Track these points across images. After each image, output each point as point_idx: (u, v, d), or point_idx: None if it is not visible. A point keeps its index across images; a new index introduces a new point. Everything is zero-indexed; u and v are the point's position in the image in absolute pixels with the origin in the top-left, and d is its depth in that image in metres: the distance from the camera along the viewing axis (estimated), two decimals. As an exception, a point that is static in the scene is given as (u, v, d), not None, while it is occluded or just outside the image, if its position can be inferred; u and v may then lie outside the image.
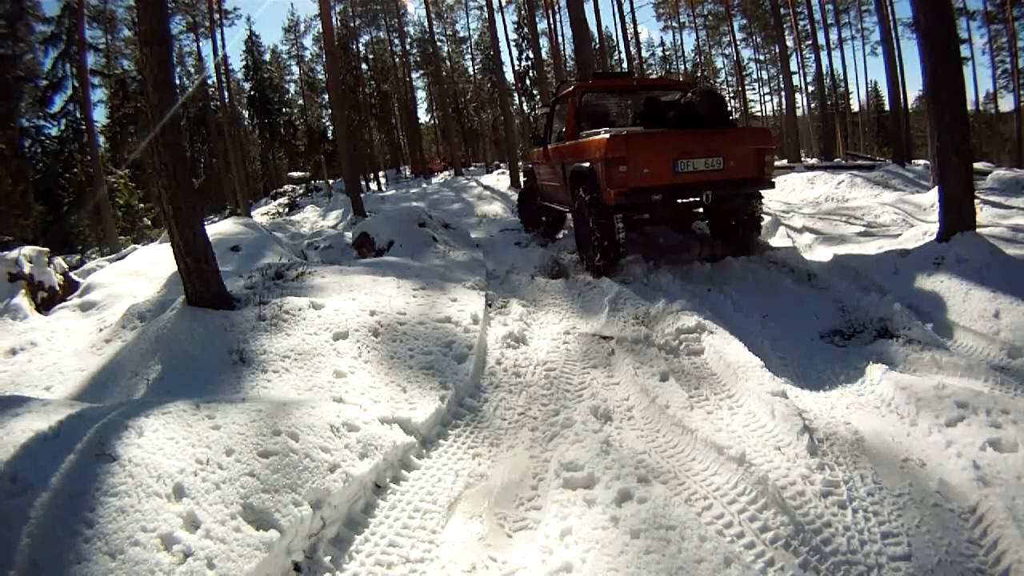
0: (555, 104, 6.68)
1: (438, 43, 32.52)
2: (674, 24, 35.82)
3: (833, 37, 29.02)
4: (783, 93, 27.90)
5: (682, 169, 4.69)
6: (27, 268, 5.91)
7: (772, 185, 5.15)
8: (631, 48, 26.50)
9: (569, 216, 6.68)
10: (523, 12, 27.88)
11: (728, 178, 4.82)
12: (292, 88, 36.50)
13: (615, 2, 25.66)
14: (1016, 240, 4.90)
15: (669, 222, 5.48)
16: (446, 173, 29.57)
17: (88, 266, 9.32)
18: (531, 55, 27.86)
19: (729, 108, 5.30)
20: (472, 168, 30.70)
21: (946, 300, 3.76)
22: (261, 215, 19.24)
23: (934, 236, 4.62)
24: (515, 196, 10.81)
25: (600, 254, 4.87)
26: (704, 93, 5.12)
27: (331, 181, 26.60)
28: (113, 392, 3.34)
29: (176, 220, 3.70)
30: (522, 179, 9.08)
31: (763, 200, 5.51)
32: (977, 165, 9.92)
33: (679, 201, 4.97)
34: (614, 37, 35.27)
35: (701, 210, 5.23)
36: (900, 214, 7.70)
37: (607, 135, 4.75)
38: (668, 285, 4.68)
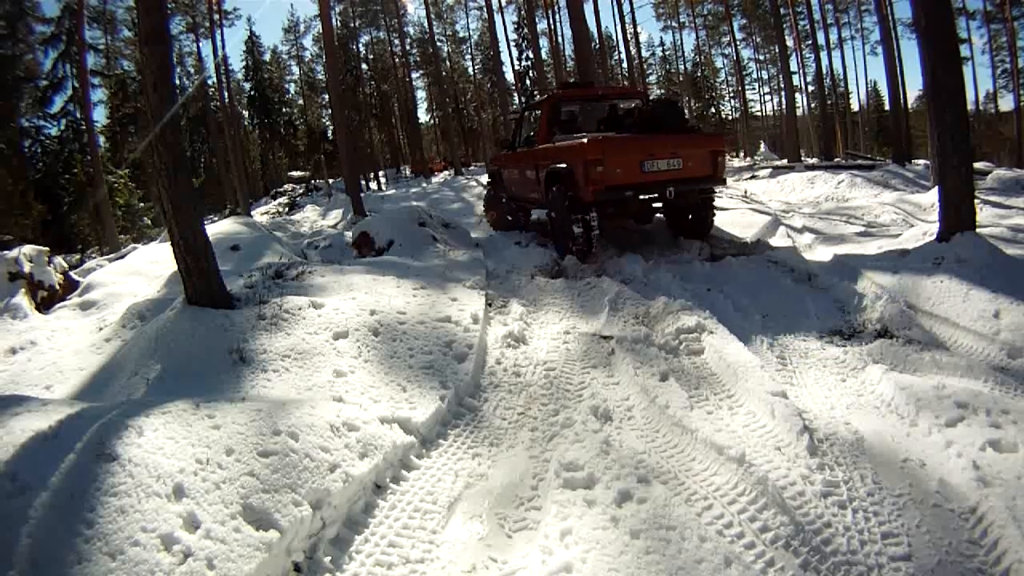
0: (524, 111, 7.24)
1: (438, 43, 32.51)
2: (674, 24, 35.79)
3: (833, 37, 29.04)
4: (783, 93, 27.86)
5: (648, 169, 5.28)
6: (27, 267, 5.91)
7: (724, 182, 5.90)
8: (631, 48, 26.53)
9: (533, 213, 7.51)
10: (523, 12, 27.88)
11: (687, 176, 5.42)
12: (292, 88, 36.52)
13: (615, 2, 25.67)
14: (1016, 240, 4.90)
15: (634, 216, 6.10)
16: (446, 173, 29.56)
17: (88, 265, 9.30)
18: (531, 55, 27.88)
19: (685, 114, 6.04)
20: (472, 168, 30.66)
21: (946, 300, 3.76)
22: (261, 214, 19.22)
23: (934, 236, 4.63)
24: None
25: (577, 244, 5.46)
26: (663, 102, 5.94)
27: (331, 181, 26.57)
28: (113, 391, 3.34)
29: (176, 219, 3.70)
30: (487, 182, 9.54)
31: (715, 195, 6.25)
32: (977, 165, 9.92)
33: (643, 197, 5.47)
34: (614, 37, 35.31)
35: (661, 205, 5.86)
36: (900, 214, 7.71)
37: (586, 139, 5.29)
38: (668, 285, 4.69)
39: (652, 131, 5.53)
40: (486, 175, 9.85)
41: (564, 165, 5.48)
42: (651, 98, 6.13)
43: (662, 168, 5.29)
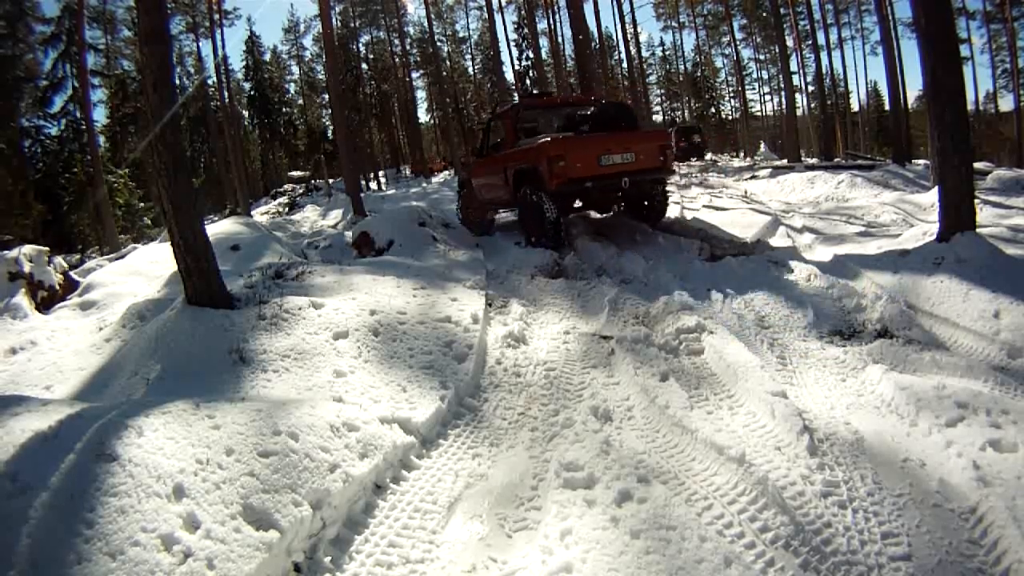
0: (490, 122, 7.94)
1: (438, 43, 32.51)
2: (674, 24, 35.82)
3: (833, 37, 29.04)
4: (783, 93, 27.84)
5: (605, 163, 5.90)
6: (27, 267, 5.91)
7: (673, 172, 6.92)
8: (631, 48, 26.51)
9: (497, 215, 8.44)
10: (523, 12, 27.87)
11: (639, 168, 6.09)
12: (292, 88, 36.51)
13: (615, 2, 25.63)
14: (1016, 240, 4.90)
15: (596, 205, 6.83)
16: (446, 173, 29.56)
17: (88, 265, 9.29)
18: (531, 55, 27.86)
19: (634, 115, 6.93)
20: (472, 168, 30.59)
21: (946, 300, 3.76)
22: (261, 215, 19.21)
23: (934, 236, 4.62)
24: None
25: (547, 232, 5.99)
26: (616, 104, 6.84)
27: (331, 181, 26.58)
28: (113, 391, 3.34)
29: (176, 219, 3.70)
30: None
31: (668, 185, 7.17)
32: (977, 165, 9.91)
33: (606, 190, 6.14)
34: (614, 37, 35.28)
35: (620, 195, 6.44)
36: (900, 214, 7.71)
37: (548, 139, 5.96)
38: (668, 284, 4.69)
39: (608, 130, 6.21)
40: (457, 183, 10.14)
41: (530, 164, 6.09)
42: (607, 101, 7.17)
43: (617, 162, 5.95)
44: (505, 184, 6.73)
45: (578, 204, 6.49)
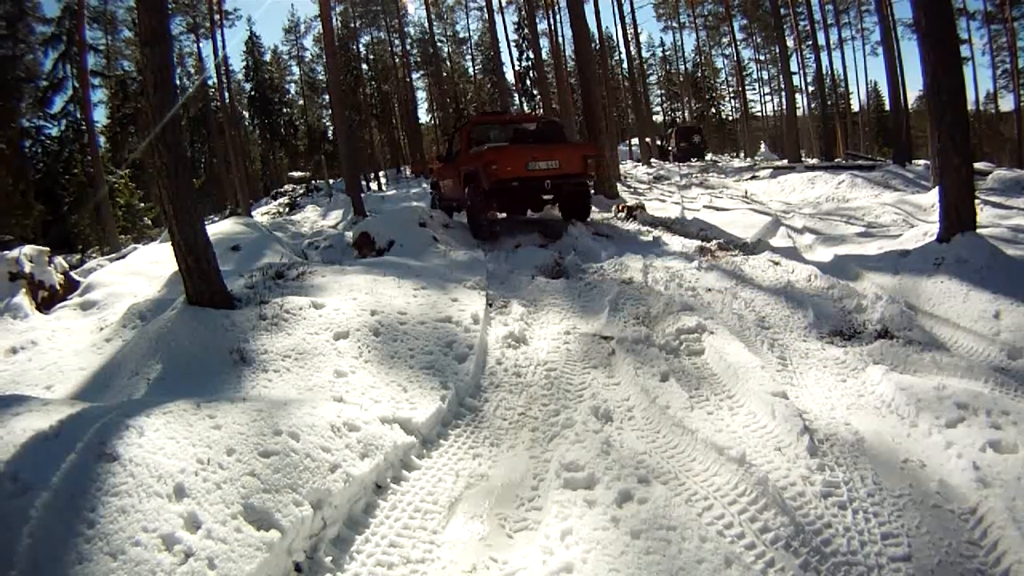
0: (453, 134, 9.52)
1: (438, 44, 32.52)
2: (674, 24, 35.79)
3: (833, 37, 28.97)
4: (783, 93, 27.85)
5: (531, 168, 7.17)
6: (28, 267, 5.91)
7: (592, 177, 8.23)
8: (631, 48, 26.50)
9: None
10: (523, 12, 27.83)
11: (561, 173, 7.33)
12: (292, 88, 36.44)
13: (615, 2, 25.66)
14: (1016, 240, 4.90)
15: (529, 204, 7.90)
16: (446, 173, 29.38)
17: (88, 265, 9.29)
18: (531, 55, 27.84)
19: (563, 131, 8.47)
20: (472, 168, 30.50)
21: (946, 301, 3.76)
22: (262, 215, 19.16)
23: (934, 236, 4.62)
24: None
25: (484, 225, 7.32)
26: (548, 122, 8.32)
27: (331, 181, 26.51)
28: (114, 391, 3.34)
29: (177, 220, 3.70)
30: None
31: (591, 188, 8.45)
32: (977, 165, 9.92)
33: (532, 189, 7.29)
34: (614, 37, 35.30)
35: (550, 196, 7.53)
36: (900, 214, 7.71)
37: (486, 148, 7.32)
38: (668, 284, 4.69)
39: (538, 142, 7.59)
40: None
41: (474, 167, 7.25)
42: (543, 119, 8.56)
43: (542, 167, 7.19)
44: (460, 184, 7.88)
45: (513, 202, 7.60)
